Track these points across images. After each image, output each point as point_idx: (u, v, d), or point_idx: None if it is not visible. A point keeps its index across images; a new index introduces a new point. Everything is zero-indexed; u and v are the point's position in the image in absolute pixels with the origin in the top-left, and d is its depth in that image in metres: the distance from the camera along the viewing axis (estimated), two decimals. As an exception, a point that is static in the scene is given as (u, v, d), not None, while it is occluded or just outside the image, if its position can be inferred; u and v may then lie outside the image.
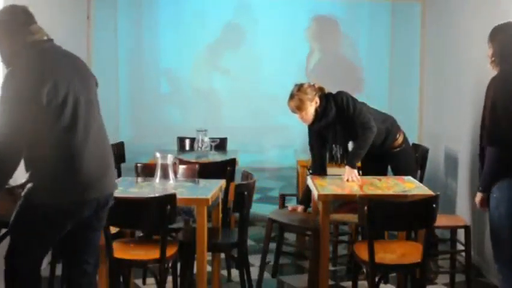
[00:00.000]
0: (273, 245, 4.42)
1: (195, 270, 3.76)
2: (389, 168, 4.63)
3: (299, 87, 4.24)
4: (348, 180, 4.07)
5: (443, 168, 5.73)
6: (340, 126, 4.29)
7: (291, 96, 4.24)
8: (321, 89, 4.28)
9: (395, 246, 3.75)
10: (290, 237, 5.33)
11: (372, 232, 3.38)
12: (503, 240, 3.00)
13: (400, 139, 4.50)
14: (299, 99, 4.20)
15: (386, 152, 4.47)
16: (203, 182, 4.04)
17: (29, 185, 2.75)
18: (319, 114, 4.24)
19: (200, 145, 5.52)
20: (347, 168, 4.14)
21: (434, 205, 3.38)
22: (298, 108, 4.21)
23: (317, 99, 4.22)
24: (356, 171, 4.14)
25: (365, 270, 3.53)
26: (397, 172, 4.48)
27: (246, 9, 6.62)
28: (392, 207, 3.43)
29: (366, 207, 3.33)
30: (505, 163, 2.99)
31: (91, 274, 3.07)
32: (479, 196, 3.22)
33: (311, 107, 4.21)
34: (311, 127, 4.34)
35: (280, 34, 6.58)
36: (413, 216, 3.43)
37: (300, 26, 6.63)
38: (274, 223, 4.25)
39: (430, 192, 3.70)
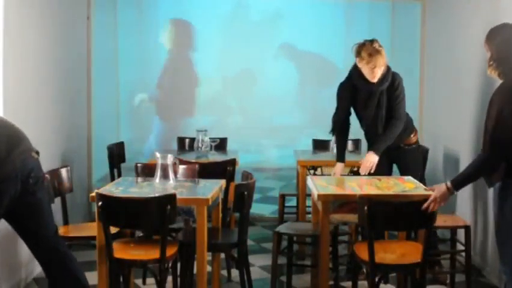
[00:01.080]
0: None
1: (195, 270, 3.76)
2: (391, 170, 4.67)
3: (377, 43, 4.26)
4: (362, 167, 4.19)
5: (442, 168, 5.73)
6: (384, 99, 4.34)
7: (374, 49, 4.22)
8: None
9: (395, 246, 3.75)
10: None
11: (372, 232, 3.38)
12: (507, 241, 3.00)
13: (414, 138, 4.58)
14: (381, 54, 4.23)
15: (398, 147, 4.50)
16: (203, 182, 4.04)
17: None
18: (380, 77, 4.30)
19: (200, 145, 5.52)
20: (370, 153, 4.16)
21: (434, 205, 3.38)
22: (379, 62, 4.23)
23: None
24: (376, 160, 4.19)
25: (365, 270, 3.53)
26: (404, 171, 4.50)
27: (245, 10, 6.62)
28: (392, 207, 3.43)
29: (366, 207, 3.34)
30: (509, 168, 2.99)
31: (51, 240, 3.34)
32: (445, 191, 3.24)
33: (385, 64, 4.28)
34: (362, 86, 4.35)
35: (281, 36, 6.58)
36: (413, 216, 3.43)
37: (299, 26, 6.63)
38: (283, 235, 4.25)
39: (430, 193, 3.69)
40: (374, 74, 4.26)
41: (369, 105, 4.38)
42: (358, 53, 4.30)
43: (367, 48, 4.23)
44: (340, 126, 4.53)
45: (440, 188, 3.28)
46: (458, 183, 3.20)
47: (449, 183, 3.22)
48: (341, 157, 4.61)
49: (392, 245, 3.79)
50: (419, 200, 3.51)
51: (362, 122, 4.55)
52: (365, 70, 4.29)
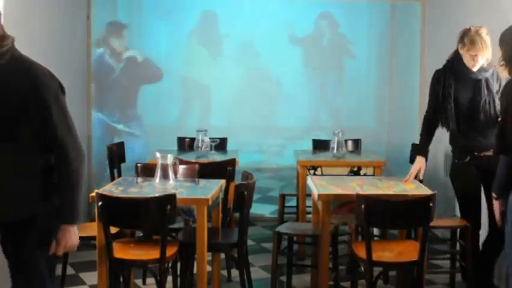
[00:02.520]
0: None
1: (195, 270, 3.76)
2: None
3: (484, 30, 3.95)
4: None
5: (442, 169, 5.72)
6: (491, 87, 4.05)
7: (478, 37, 3.93)
8: None
9: (393, 245, 3.77)
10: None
11: (369, 230, 3.39)
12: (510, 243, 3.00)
13: None
14: (485, 43, 3.92)
15: (490, 158, 3.91)
16: (203, 182, 4.04)
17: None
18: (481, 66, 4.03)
19: (200, 145, 5.52)
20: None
21: (431, 204, 3.39)
22: (481, 50, 3.92)
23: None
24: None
25: (362, 268, 3.54)
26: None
27: (247, 10, 6.60)
28: (389, 205, 3.45)
29: (363, 206, 3.35)
30: None
31: None
32: (496, 205, 3.19)
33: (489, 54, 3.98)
34: (464, 73, 4.05)
35: (280, 35, 6.58)
36: (409, 214, 3.45)
37: (301, 26, 6.63)
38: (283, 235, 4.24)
39: (430, 192, 3.70)
40: (474, 61, 3.97)
41: (473, 93, 4.04)
42: (461, 39, 4.03)
43: (471, 35, 3.95)
44: (432, 115, 4.23)
45: (496, 203, 3.20)
46: (501, 192, 3.13)
47: (494, 195, 3.19)
48: (424, 150, 4.24)
49: (390, 244, 3.82)
50: (415, 198, 3.54)
51: (453, 118, 4.11)
52: (466, 57, 4.01)
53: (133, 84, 6.62)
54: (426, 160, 4.23)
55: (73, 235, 2.59)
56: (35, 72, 2.53)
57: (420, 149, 4.26)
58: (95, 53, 6.41)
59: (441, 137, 5.84)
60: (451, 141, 4.24)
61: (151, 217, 3.43)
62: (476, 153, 4.02)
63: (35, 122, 2.48)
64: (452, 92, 4.08)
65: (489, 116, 4.01)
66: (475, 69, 4.01)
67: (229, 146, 5.92)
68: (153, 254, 3.46)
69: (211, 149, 5.55)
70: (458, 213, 5.15)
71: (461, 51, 4.04)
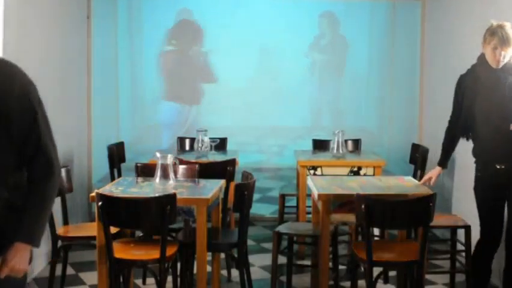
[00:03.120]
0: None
1: (195, 270, 3.76)
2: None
3: (508, 25, 3.71)
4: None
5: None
6: (504, 101, 3.74)
7: (499, 29, 3.67)
8: None
9: (393, 245, 3.78)
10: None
11: (369, 230, 3.39)
12: None
13: None
14: (508, 36, 3.64)
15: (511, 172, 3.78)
16: (203, 182, 4.04)
17: None
18: (507, 63, 3.75)
19: (200, 145, 5.52)
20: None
21: (430, 204, 3.39)
22: (502, 43, 3.65)
23: None
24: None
25: (362, 268, 3.54)
26: None
27: (249, 10, 6.60)
28: (389, 205, 3.45)
29: (363, 206, 3.35)
30: None
31: None
32: None
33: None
34: (485, 73, 3.78)
35: (282, 35, 6.58)
36: (409, 214, 3.45)
37: (301, 26, 6.63)
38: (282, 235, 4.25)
39: (430, 192, 3.71)
40: (495, 56, 3.68)
41: (495, 96, 3.74)
42: (484, 36, 3.77)
43: (492, 28, 3.71)
44: (454, 124, 4.03)
45: None
46: None
47: None
48: (442, 162, 4.09)
49: (390, 244, 3.82)
50: (415, 198, 3.54)
51: (477, 126, 3.87)
52: (488, 53, 3.75)
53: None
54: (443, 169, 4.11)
55: (25, 258, 2.17)
56: (19, 73, 2.26)
57: (440, 161, 4.12)
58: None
59: (441, 136, 5.84)
60: (472, 153, 3.99)
61: (151, 217, 3.43)
62: (497, 166, 3.77)
63: (18, 130, 2.16)
64: (470, 100, 3.87)
65: (503, 130, 3.73)
66: (499, 66, 3.72)
67: (229, 146, 5.93)
68: (153, 254, 3.46)
69: (211, 149, 5.55)
70: (457, 212, 5.16)
71: (483, 49, 3.81)
